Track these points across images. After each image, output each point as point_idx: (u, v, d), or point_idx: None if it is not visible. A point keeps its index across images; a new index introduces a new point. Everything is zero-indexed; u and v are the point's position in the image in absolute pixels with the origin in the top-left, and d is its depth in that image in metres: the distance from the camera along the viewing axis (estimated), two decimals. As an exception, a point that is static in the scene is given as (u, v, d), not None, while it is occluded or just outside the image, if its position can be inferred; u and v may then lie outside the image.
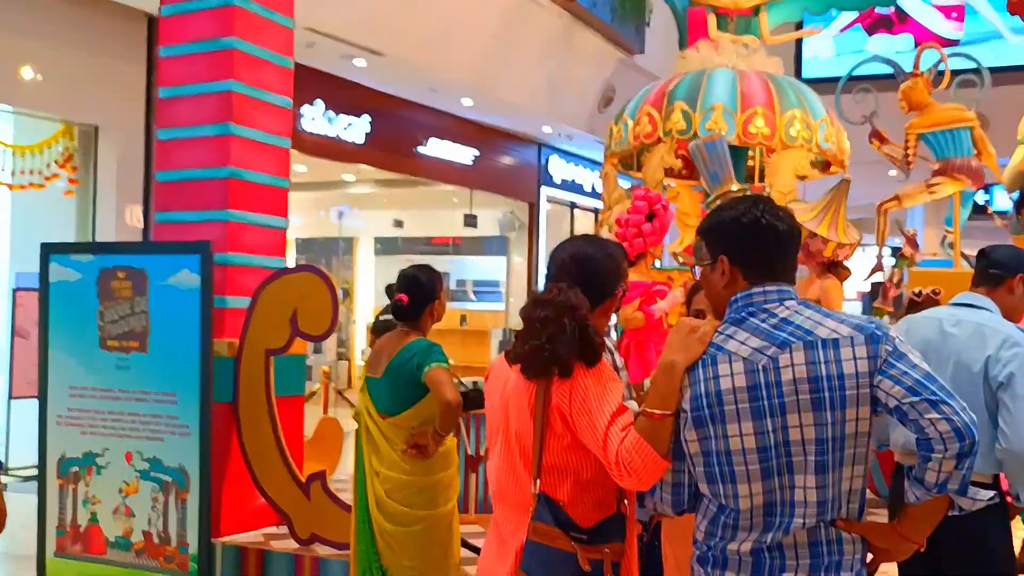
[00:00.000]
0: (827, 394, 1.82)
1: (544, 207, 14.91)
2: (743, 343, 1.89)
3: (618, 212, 7.27)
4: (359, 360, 14.85)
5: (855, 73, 8.99)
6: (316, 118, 10.19)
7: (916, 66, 9.22)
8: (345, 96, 10.46)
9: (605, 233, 7.74)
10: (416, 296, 3.54)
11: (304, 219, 14.11)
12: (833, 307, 5.19)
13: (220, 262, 4.59)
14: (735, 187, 5.69)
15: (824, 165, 7.64)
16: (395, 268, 11.93)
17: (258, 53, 4.71)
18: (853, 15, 13.56)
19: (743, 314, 1.94)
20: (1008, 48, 12.69)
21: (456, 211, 14.24)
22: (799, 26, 12.10)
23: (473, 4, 9.76)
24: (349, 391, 13.19)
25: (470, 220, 13.86)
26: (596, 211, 17.06)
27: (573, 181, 15.65)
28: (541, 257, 14.79)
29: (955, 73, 9.15)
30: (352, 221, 14.95)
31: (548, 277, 2.25)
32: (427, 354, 3.39)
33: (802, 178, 7.08)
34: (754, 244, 1.95)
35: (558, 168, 15.09)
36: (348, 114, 10.61)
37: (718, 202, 5.80)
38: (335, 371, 13.17)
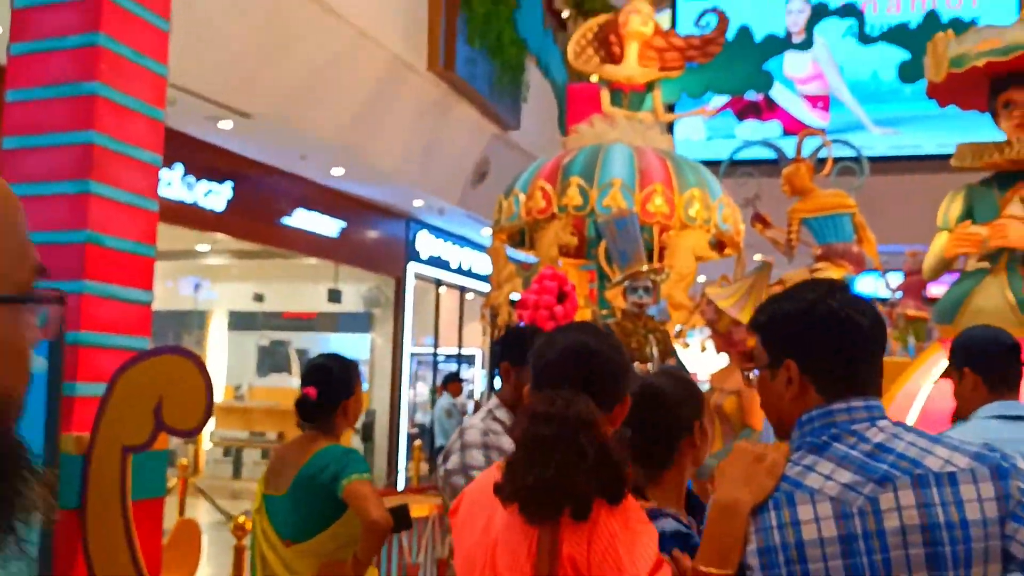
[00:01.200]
0: (948, 548, 1.35)
1: (411, 283, 14.40)
2: (828, 477, 1.43)
3: (509, 291, 6.85)
4: (207, 443, 13.83)
5: (736, 157, 8.97)
6: (174, 183, 9.44)
7: (799, 151, 9.28)
8: (207, 160, 9.76)
9: (502, 314, 7.29)
10: (327, 391, 2.98)
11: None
12: (754, 400, 4.88)
13: (72, 342, 3.87)
14: (644, 267, 5.35)
15: (719, 246, 7.45)
16: (251, 344, 11.11)
17: (125, 102, 4.08)
18: (724, 99, 13.79)
19: (823, 438, 1.48)
20: (871, 139, 13.08)
21: (320, 285, 13.56)
22: (671, 108, 12.19)
23: (348, 68, 9.30)
24: (198, 477, 12.18)
25: (334, 295, 13.21)
26: (462, 288, 16.67)
27: (440, 257, 15.23)
28: (406, 335, 14.22)
29: (836, 160, 9.26)
30: (206, 293, 14.05)
31: (538, 380, 1.74)
32: (344, 463, 2.82)
33: (699, 259, 6.84)
34: (832, 345, 1.51)
35: (426, 244, 14.65)
36: (209, 180, 9.89)
37: (626, 282, 5.45)
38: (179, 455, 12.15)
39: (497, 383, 3.10)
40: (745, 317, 4.73)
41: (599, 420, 1.60)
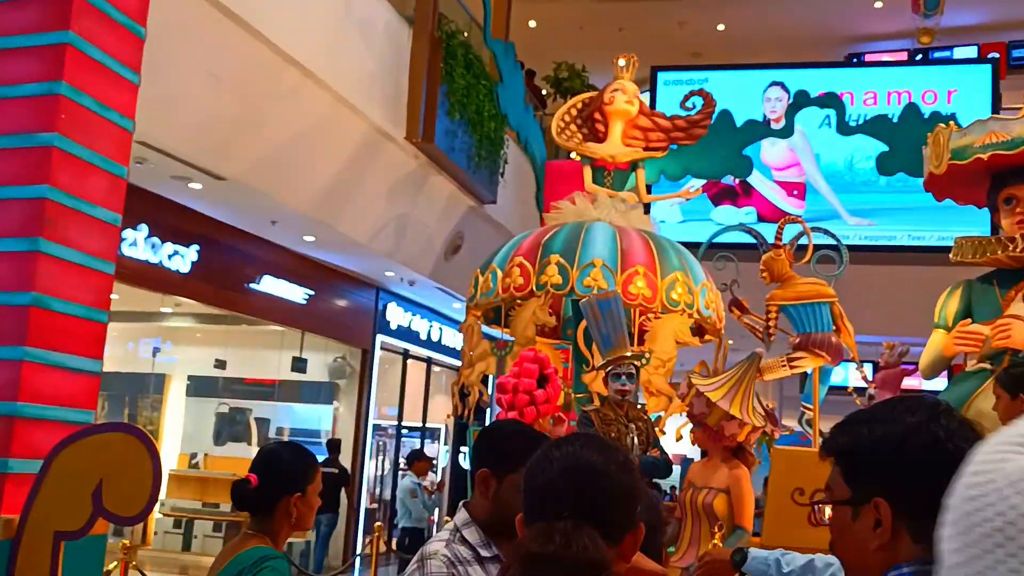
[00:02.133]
0: None
1: (378, 354, 14.08)
2: None
3: (482, 370, 6.58)
4: (157, 513, 13.26)
5: (716, 240, 8.82)
6: (138, 243, 9.13)
7: (779, 237, 9.15)
8: (174, 221, 9.48)
9: (473, 392, 7.00)
10: (270, 482, 2.67)
11: (110, 350, 12.69)
12: (745, 499, 4.62)
13: (7, 413, 3.54)
14: (628, 352, 5.10)
15: (698, 332, 7.23)
16: (210, 410, 10.70)
17: (85, 155, 3.81)
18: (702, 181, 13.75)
19: None
20: (846, 228, 13.05)
21: (284, 353, 13.19)
22: (649, 189, 12.10)
23: (326, 135, 9.11)
24: (145, 547, 11.64)
25: (299, 364, 12.83)
26: (428, 361, 16.34)
27: (409, 328, 14.94)
28: (371, 407, 13.84)
29: (815, 248, 9.15)
30: (166, 357, 13.62)
31: (531, 508, 1.46)
32: (256, 571, 2.48)
33: (680, 344, 6.62)
34: (934, 483, 1.24)
35: (395, 315, 14.36)
36: (175, 241, 9.60)
37: (609, 368, 5.19)
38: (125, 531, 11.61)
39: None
40: (737, 411, 4.48)
41: (608, 558, 1.32)
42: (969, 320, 4.27)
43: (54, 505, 3.44)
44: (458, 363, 17.37)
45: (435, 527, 11.09)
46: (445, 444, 18.12)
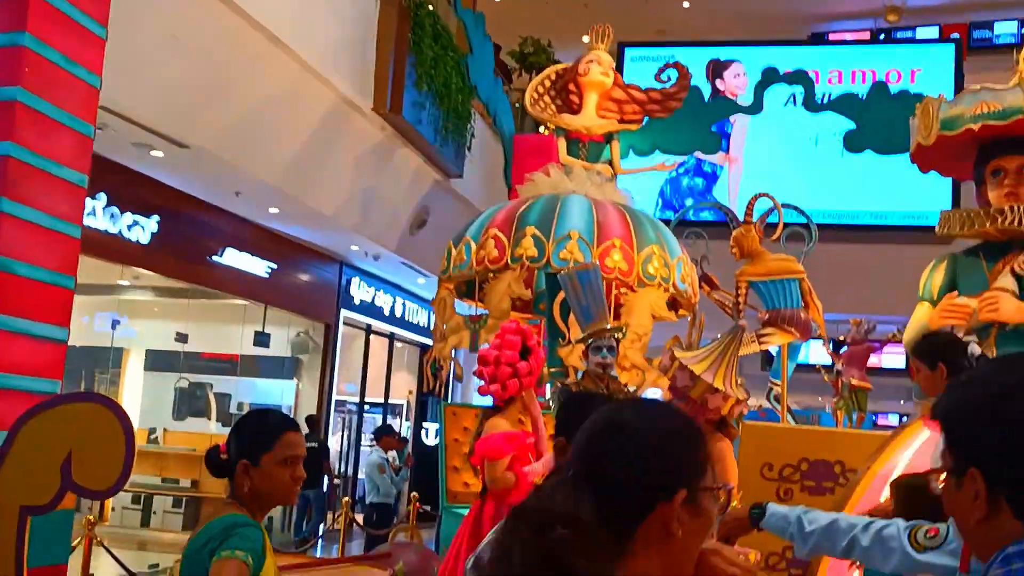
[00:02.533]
0: None
1: (341, 329, 13.90)
2: None
3: (455, 343, 6.47)
4: (116, 489, 12.99)
5: (687, 217, 8.75)
6: (97, 212, 8.87)
7: (749, 214, 9.12)
8: (135, 190, 9.22)
9: (445, 367, 6.88)
10: (232, 448, 2.58)
11: (66, 325, 12.36)
12: (729, 473, 4.55)
13: (-32, 382, 3.38)
14: (609, 325, 5.02)
15: (673, 306, 7.17)
16: (169, 385, 10.47)
17: (50, 112, 3.63)
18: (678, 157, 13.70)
19: None
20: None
21: (246, 327, 12.96)
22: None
23: (292, 104, 8.89)
24: (102, 524, 11.40)
25: (262, 338, 12.62)
26: (391, 336, 16.19)
27: (372, 303, 14.77)
28: (335, 382, 13.67)
29: (785, 225, 9.13)
30: (123, 331, 13.32)
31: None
32: (224, 537, 2.36)
33: (655, 319, 6.55)
34: None
35: (358, 290, 14.18)
36: (136, 212, 9.34)
37: (590, 340, 5.10)
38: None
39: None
40: (720, 383, 4.41)
41: (580, 516, 1.20)
42: (955, 293, 4.23)
43: (20, 479, 3.29)
44: (421, 339, 17.26)
45: (402, 503, 10.99)
46: (407, 420, 18.01)
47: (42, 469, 3.26)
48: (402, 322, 16.13)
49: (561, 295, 6.20)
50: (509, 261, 6.19)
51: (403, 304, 15.98)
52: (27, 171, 3.55)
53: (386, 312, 15.39)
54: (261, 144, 8.87)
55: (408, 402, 18.17)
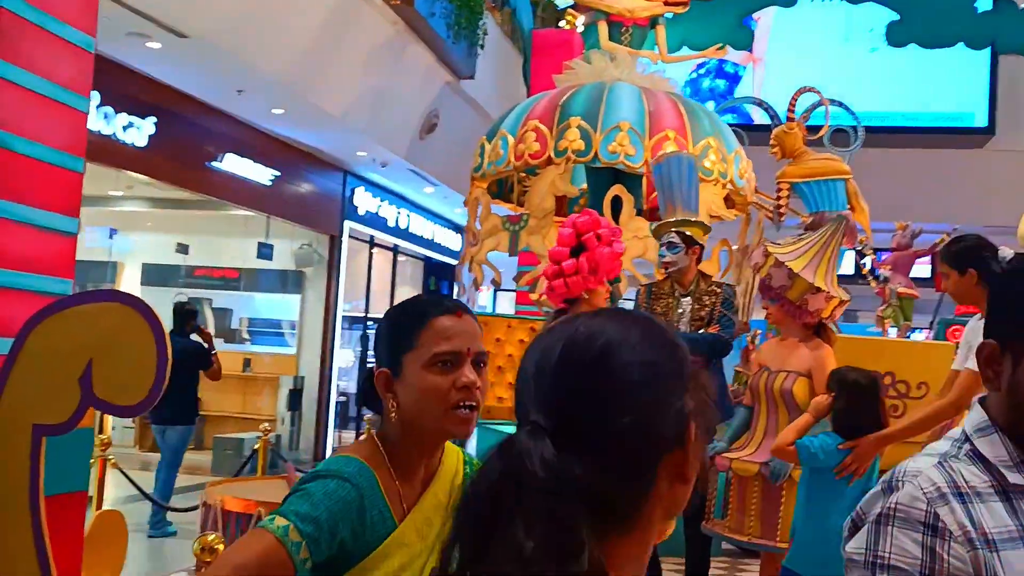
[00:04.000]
0: None
1: (347, 242, 13.33)
2: None
3: (492, 247, 5.94)
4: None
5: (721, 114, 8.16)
6: (90, 112, 8.22)
7: (791, 110, 8.54)
8: (129, 88, 8.54)
9: (467, 275, 6.37)
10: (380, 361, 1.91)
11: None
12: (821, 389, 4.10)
13: (-37, 280, 2.83)
14: (676, 218, 4.53)
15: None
16: (167, 301, 9.87)
17: (49, -43, 3.01)
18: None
19: None
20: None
21: (247, 240, 12.38)
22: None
23: (299, -8, 8.19)
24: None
25: (265, 250, 12.06)
26: (395, 249, 15.65)
27: (377, 214, 14.17)
28: (340, 296, 13.15)
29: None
30: (118, 244, 12.72)
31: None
32: (289, 493, 1.67)
33: (714, 218, 6.00)
34: None
35: (363, 200, 13.57)
36: (131, 113, 8.68)
37: (659, 237, 4.60)
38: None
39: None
40: (821, 282, 3.91)
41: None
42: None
43: (32, 394, 2.76)
44: (427, 252, 16.72)
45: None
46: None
47: (57, 382, 2.74)
48: (406, 234, 15.56)
49: (612, 192, 5.65)
50: (553, 155, 5.60)
51: (408, 216, 15.40)
52: (22, 25, 2.95)
53: (391, 223, 14.81)
54: (266, 35, 8.19)
55: (413, 316, 17.69)
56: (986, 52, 11.90)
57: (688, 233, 4.55)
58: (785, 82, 12.35)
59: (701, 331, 4.50)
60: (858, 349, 6.28)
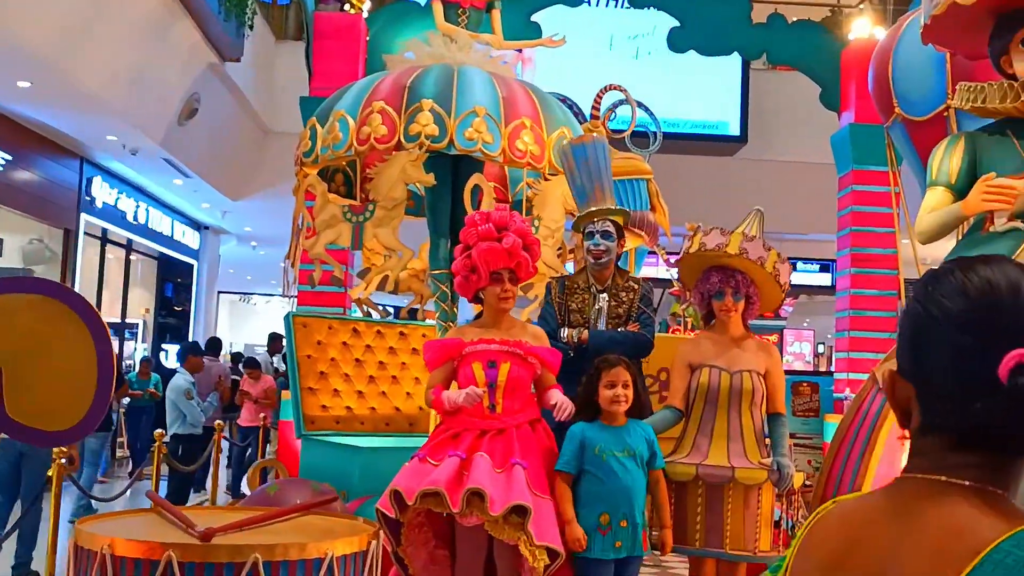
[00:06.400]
0: None
1: (82, 237, 11.96)
2: None
3: (331, 239, 5.42)
4: None
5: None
6: None
7: (596, 106, 8.54)
8: None
9: (291, 272, 5.78)
10: None
11: None
12: (780, 389, 3.98)
13: None
14: (605, 206, 4.31)
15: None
16: None
17: None
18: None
19: None
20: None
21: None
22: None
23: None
24: None
25: (-8, 245, 10.55)
26: (128, 244, 14.31)
27: (115, 207, 12.86)
28: (76, 299, 11.75)
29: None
30: None
31: None
32: None
33: (568, 213, 5.78)
34: None
35: (100, 191, 12.24)
36: None
37: (584, 225, 4.36)
38: None
39: None
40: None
41: None
42: (993, 174, 3.81)
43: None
44: (163, 249, 15.37)
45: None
46: (143, 342, 16.16)
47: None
48: (144, 229, 14.24)
49: (472, 181, 5.29)
50: (403, 140, 5.12)
51: (147, 210, 14.10)
52: None
53: (129, 218, 13.48)
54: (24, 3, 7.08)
55: (144, 321, 16.27)
56: (738, 66, 12.62)
57: (620, 223, 4.37)
58: (554, 85, 12.46)
59: (620, 329, 4.28)
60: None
